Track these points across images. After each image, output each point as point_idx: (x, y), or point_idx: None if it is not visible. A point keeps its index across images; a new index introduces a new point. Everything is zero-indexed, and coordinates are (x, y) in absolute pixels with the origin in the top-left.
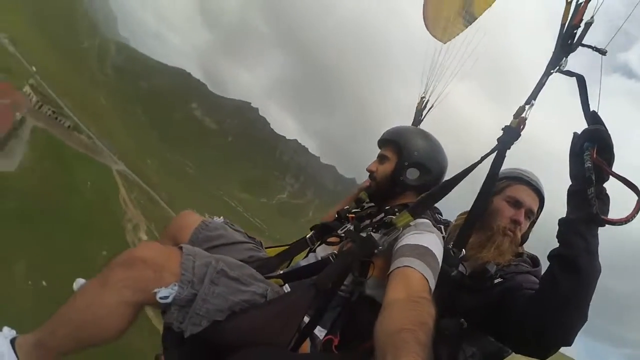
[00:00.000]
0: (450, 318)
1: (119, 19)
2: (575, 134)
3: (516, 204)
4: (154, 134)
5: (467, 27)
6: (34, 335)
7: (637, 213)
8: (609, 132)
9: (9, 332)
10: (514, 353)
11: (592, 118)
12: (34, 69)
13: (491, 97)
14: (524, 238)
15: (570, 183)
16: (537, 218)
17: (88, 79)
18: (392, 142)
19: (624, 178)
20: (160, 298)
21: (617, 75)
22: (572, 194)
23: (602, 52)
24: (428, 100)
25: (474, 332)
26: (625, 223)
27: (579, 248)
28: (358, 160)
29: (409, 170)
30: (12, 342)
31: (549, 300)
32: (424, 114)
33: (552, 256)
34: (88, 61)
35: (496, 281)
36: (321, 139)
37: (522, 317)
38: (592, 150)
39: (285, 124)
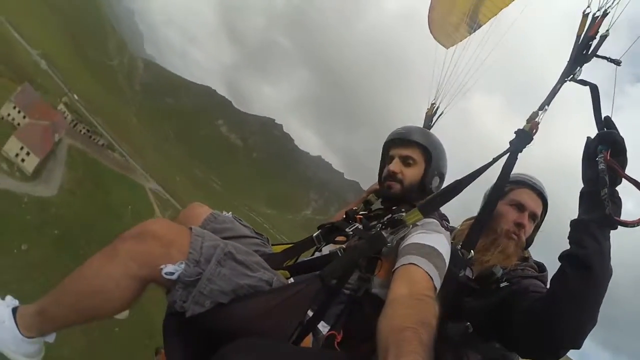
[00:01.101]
0: (456, 322)
1: (145, 37)
2: (588, 137)
3: (519, 207)
4: (181, 151)
5: (471, 34)
6: (36, 305)
7: None
8: (622, 136)
9: (11, 301)
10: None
11: (606, 123)
12: (67, 86)
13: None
14: (529, 242)
15: (582, 186)
16: (541, 222)
17: (117, 96)
18: (421, 146)
19: (638, 181)
20: (166, 273)
21: None
22: (584, 195)
23: (617, 62)
24: (438, 107)
25: (479, 338)
26: (638, 225)
27: (591, 248)
28: None
29: (435, 178)
30: (14, 310)
31: (559, 298)
32: (434, 120)
33: (563, 256)
34: (117, 78)
35: (502, 285)
36: (345, 155)
37: (530, 317)
38: (606, 153)
39: (309, 140)
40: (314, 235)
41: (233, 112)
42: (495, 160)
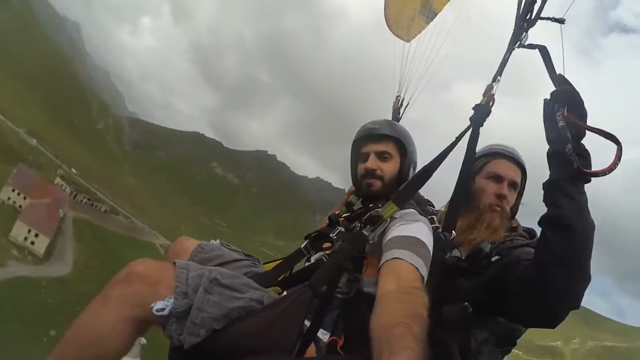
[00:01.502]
0: (453, 304)
1: (125, 96)
2: (545, 100)
3: (497, 178)
4: (181, 200)
5: (428, 24)
6: None
7: (619, 160)
8: (577, 90)
9: None
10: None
11: (560, 80)
12: (59, 159)
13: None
14: (514, 211)
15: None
16: (523, 188)
17: (110, 159)
18: (394, 139)
19: (600, 129)
20: (157, 310)
21: (614, 35)
22: (551, 156)
23: (561, 21)
24: (403, 99)
25: (480, 316)
26: (610, 172)
27: (566, 206)
28: None
29: (411, 169)
30: None
31: (545, 264)
32: (401, 112)
33: (542, 221)
34: (106, 141)
35: (493, 259)
36: (342, 170)
37: (523, 287)
38: (563, 110)
39: (304, 164)
40: (302, 246)
41: (225, 152)
42: (458, 138)
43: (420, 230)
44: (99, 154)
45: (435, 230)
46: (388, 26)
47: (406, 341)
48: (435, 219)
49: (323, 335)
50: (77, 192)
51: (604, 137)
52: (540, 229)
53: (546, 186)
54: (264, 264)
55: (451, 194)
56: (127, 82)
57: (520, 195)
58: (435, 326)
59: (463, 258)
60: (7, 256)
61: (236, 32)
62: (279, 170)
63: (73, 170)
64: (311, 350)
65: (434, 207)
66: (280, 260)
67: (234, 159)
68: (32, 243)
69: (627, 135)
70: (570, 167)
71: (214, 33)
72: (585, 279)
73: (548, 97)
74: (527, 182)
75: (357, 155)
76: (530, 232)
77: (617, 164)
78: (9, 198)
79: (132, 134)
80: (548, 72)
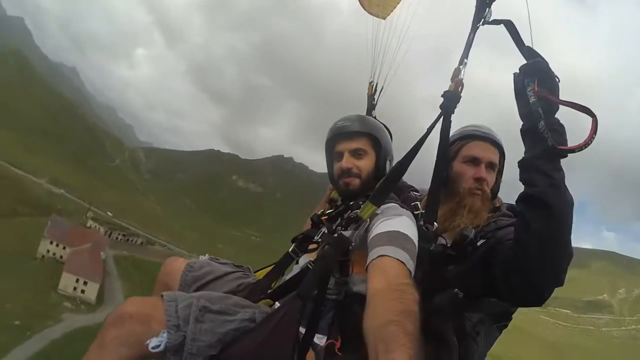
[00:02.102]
0: (443, 292)
1: (135, 127)
2: (515, 74)
3: (474, 161)
4: (210, 219)
5: None
6: None
7: (594, 134)
8: (547, 61)
9: None
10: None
11: (528, 53)
12: (86, 201)
13: None
14: (495, 191)
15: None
16: (502, 167)
17: (133, 191)
18: (368, 135)
19: (573, 102)
20: (153, 348)
21: None
22: (524, 133)
23: None
24: (377, 84)
25: (472, 300)
26: (585, 147)
27: (543, 184)
28: None
29: (387, 163)
30: None
31: (526, 243)
32: (376, 98)
33: (519, 200)
34: (126, 175)
35: (479, 243)
36: None
37: (506, 268)
38: (534, 85)
39: (321, 160)
40: (290, 250)
41: (242, 163)
42: (430, 129)
43: (403, 223)
44: (122, 188)
45: (418, 221)
46: (361, 4)
47: (400, 339)
48: (419, 205)
49: (319, 339)
50: (111, 231)
51: (577, 109)
52: (518, 208)
53: (521, 164)
54: (255, 271)
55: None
56: (134, 114)
57: (500, 174)
58: (428, 316)
59: (449, 245)
60: (60, 310)
61: (228, 45)
62: (298, 171)
63: (102, 210)
64: (310, 357)
65: (417, 192)
66: (271, 267)
67: (252, 168)
68: (83, 292)
69: (629, 79)
70: (544, 144)
71: (207, 50)
72: (567, 255)
73: (517, 71)
74: (505, 160)
75: (332, 154)
76: (514, 210)
77: (594, 138)
78: (48, 251)
79: (148, 163)
80: (517, 45)
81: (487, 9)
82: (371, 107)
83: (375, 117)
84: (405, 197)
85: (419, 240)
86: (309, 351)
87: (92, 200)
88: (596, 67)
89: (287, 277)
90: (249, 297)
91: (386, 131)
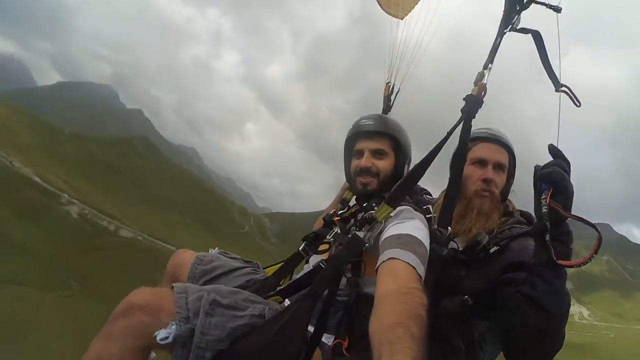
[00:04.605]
0: (452, 297)
1: (253, 195)
2: (536, 168)
3: (481, 162)
4: None
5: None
6: None
7: (595, 252)
8: (568, 167)
9: None
10: None
11: (552, 152)
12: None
13: None
14: (505, 193)
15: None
16: (513, 169)
17: (264, 255)
18: (389, 136)
19: (582, 218)
20: (161, 340)
21: None
22: (534, 234)
23: (557, 9)
24: (394, 85)
25: (482, 308)
26: (585, 264)
27: (542, 290)
28: None
29: (406, 167)
30: None
31: (523, 335)
32: (392, 99)
33: (519, 294)
34: (255, 241)
35: (492, 250)
36: None
37: (504, 338)
38: (548, 193)
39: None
40: (300, 248)
41: None
42: (450, 133)
43: (416, 227)
44: (254, 252)
45: (430, 225)
46: (379, 4)
47: (405, 341)
48: (431, 209)
49: (327, 339)
50: None
51: (585, 223)
52: (519, 299)
53: (528, 266)
54: (264, 268)
55: (446, 187)
56: (251, 183)
57: (511, 176)
58: (436, 319)
59: (460, 249)
60: None
61: (330, 106)
62: None
63: None
64: (317, 356)
65: (430, 195)
66: (281, 264)
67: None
68: None
69: None
70: (547, 255)
71: (311, 114)
72: (558, 347)
73: (539, 165)
74: (516, 162)
75: (351, 152)
76: (527, 217)
77: (594, 256)
78: None
79: (273, 227)
80: (542, 61)
81: (517, 16)
82: (387, 108)
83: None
84: (417, 199)
85: (431, 244)
86: (316, 351)
87: None
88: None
89: (297, 275)
90: (257, 293)
91: (407, 134)
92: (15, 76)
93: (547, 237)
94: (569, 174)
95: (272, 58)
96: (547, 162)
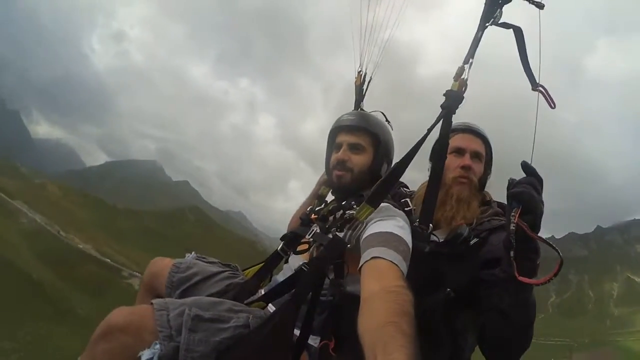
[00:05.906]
0: (435, 292)
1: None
2: (510, 182)
3: (458, 151)
4: None
5: None
6: None
7: (556, 274)
8: (540, 185)
9: None
10: None
11: (525, 169)
12: None
13: None
14: (483, 182)
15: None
16: (490, 159)
17: None
18: (369, 132)
19: (546, 241)
20: None
21: None
22: (504, 249)
23: (540, 5)
24: (366, 74)
25: (463, 298)
26: (546, 283)
27: (508, 302)
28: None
29: (384, 165)
30: None
31: (496, 340)
32: (364, 89)
33: (491, 304)
34: None
35: (472, 242)
36: None
37: (480, 334)
38: (517, 211)
39: None
40: (279, 248)
41: None
42: (430, 130)
43: (396, 225)
44: None
45: (410, 218)
46: None
47: (399, 340)
48: (409, 202)
49: (313, 340)
50: None
51: (550, 246)
52: (490, 309)
53: (495, 281)
54: (243, 270)
55: (426, 184)
56: (270, 226)
57: (488, 166)
58: (421, 314)
59: (441, 241)
60: None
61: None
62: None
63: None
64: (305, 358)
65: (407, 188)
66: (260, 265)
67: None
68: None
69: None
70: (512, 271)
71: None
72: (525, 348)
73: (513, 179)
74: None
75: (332, 145)
76: (504, 208)
77: (555, 276)
78: None
79: None
80: (521, 59)
81: (498, 9)
82: (360, 98)
83: (363, 109)
84: (394, 192)
85: (413, 241)
86: (303, 353)
87: None
88: None
89: (276, 276)
90: (238, 297)
91: (389, 133)
92: (65, 159)
93: (512, 253)
94: (540, 193)
95: (306, 115)
96: (519, 178)
